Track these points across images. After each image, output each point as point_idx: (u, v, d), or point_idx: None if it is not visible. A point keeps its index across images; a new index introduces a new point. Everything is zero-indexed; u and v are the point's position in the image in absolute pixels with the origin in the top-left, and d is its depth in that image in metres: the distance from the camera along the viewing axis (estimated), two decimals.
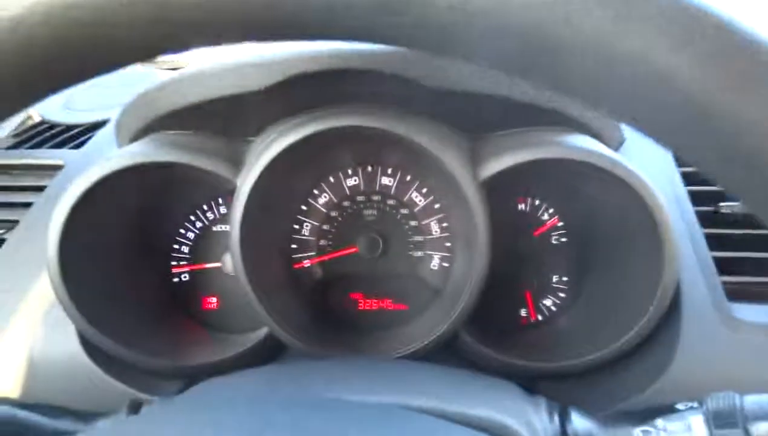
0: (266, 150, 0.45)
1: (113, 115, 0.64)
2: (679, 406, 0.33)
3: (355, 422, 0.28)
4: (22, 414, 0.36)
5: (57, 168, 0.58)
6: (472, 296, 0.50)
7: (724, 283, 0.46)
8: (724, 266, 0.46)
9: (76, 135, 0.63)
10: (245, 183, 0.46)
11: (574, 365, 0.47)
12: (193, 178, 0.51)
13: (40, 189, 0.57)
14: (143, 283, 0.56)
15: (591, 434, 0.34)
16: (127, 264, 0.54)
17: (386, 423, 0.28)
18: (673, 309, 0.45)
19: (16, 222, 0.54)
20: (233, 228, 0.47)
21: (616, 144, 0.51)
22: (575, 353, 0.49)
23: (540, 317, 0.59)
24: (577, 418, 0.35)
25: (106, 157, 0.45)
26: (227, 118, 0.47)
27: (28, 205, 0.55)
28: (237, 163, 0.48)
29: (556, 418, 0.35)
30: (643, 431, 0.32)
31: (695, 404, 0.32)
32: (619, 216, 0.49)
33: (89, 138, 0.62)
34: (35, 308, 0.49)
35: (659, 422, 0.32)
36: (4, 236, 0.53)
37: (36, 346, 0.48)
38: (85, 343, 0.48)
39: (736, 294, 0.45)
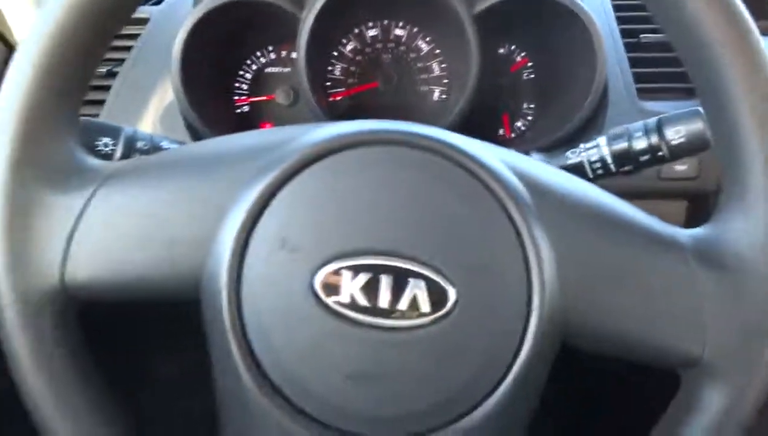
0: None
1: None
2: (594, 137, 0.54)
3: None
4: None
5: (144, 21, 0.75)
6: (462, 109, 0.70)
7: (638, 89, 0.67)
8: (639, 78, 0.67)
9: None
10: (309, 15, 0.64)
11: (535, 148, 0.69)
12: (260, 20, 0.69)
13: (134, 36, 0.74)
14: (217, 107, 0.75)
15: (542, 159, 0.55)
16: (209, 88, 0.72)
17: None
18: (602, 104, 0.66)
19: (122, 60, 0.72)
20: (300, 54, 0.66)
21: None
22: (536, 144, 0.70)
23: (513, 135, 0.80)
24: (534, 155, 0.56)
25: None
26: None
27: (128, 48, 0.73)
28: (299, 4, 0.66)
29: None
30: (571, 151, 0.53)
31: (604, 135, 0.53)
32: (568, 45, 0.69)
33: None
34: (152, 113, 0.68)
35: (581, 145, 0.53)
36: (116, 70, 0.71)
37: None
38: (193, 134, 0.67)
39: (647, 95, 0.67)
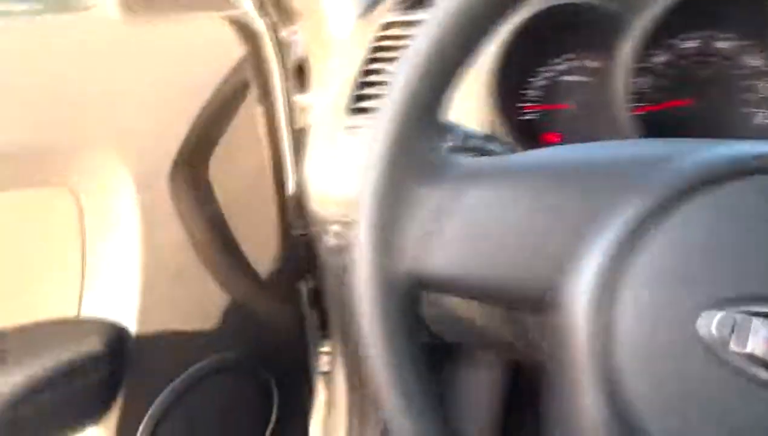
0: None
1: None
2: None
3: None
4: None
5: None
6: None
7: None
8: None
9: None
10: (641, 19, 0.59)
11: None
12: (570, 26, 0.66)
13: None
14: (511, 114, 0.74)
15: None
16: (506, 95, 0.72)
17: None
18: None
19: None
20: (620, 63, 0.61)
21: None
22: None
23: None
24: None
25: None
26: None
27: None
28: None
29: None
30: None
31: None
32: None
33: None
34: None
35: None
36: None
37: None
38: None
39: None
